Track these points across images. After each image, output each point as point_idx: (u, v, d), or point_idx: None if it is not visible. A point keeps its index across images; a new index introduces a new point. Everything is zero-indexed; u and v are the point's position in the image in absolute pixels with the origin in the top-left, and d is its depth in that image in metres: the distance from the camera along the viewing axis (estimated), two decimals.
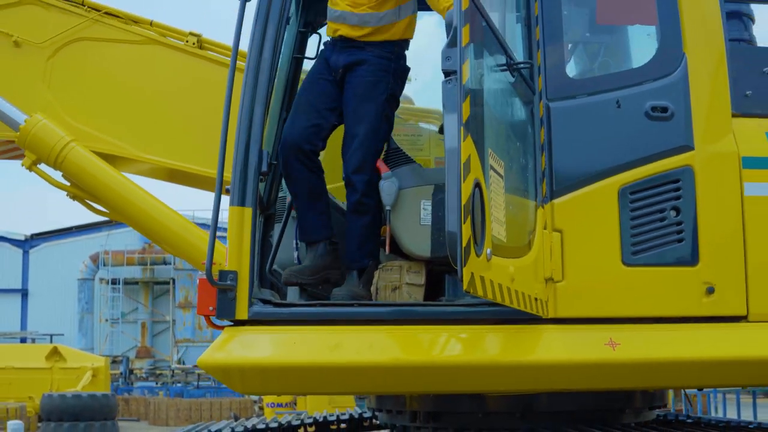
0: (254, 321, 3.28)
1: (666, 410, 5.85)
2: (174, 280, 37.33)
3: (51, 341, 28.30)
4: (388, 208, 3.55)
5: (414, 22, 3.75)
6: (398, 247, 3.64)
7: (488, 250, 2.52)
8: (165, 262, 37.70)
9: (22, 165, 4.87)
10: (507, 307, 3.00)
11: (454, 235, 2.38)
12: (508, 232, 2.92)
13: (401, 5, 3.62)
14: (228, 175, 3.38)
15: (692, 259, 3.44)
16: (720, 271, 3.45)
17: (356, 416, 5.87)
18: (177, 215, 4.89)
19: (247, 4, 3.47)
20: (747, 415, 12.77)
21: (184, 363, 34.03)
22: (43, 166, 5.01)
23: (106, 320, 37.96)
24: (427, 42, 4.43)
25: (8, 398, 19.72)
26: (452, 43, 2.46)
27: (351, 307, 3.41)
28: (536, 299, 3.16)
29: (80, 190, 5.02)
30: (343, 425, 5.80)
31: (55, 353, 21.80)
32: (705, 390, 13.09)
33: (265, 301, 3.29)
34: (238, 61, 4.94)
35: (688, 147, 3.49)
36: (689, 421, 4.77)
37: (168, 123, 5.11)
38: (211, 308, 3.24)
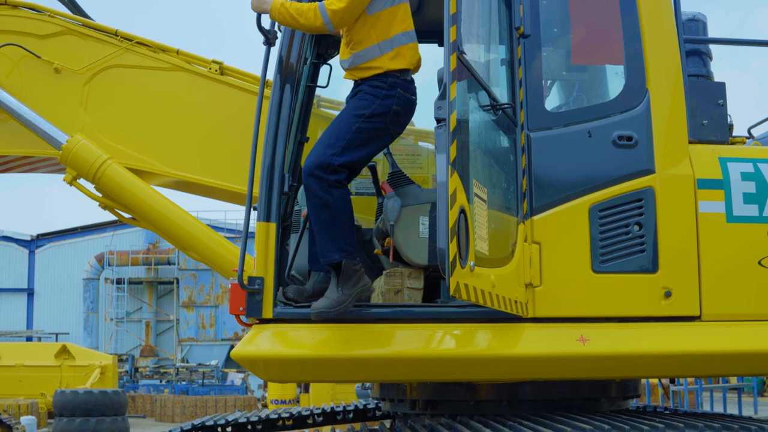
0: (277, 319, 3.83)
1: (645, 403, 6.38)
2: (178, 280, 37.67)
3: (56, 340, 28.73)
4: (391, 223, 4.08)
5: (403, 53, 3.98)
6: (400, 257, 4.19)
7: (471, 263, 3.08)
8: (169, 262, 38.06)
9: (64, 180, 5.38)
10: (489, 308, 3.56)
11: (443, 251, 2.94)
12: (491, 245, 3.47)
13: (380, 42, 3.93)
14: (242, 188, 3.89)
15: (653, 267, 3.97)
16: (676, 278, 3.98)
17: (360, 407, 6.39)
18: (202, 224, 5.40)
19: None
20: (731, 411, 13.28)
21: (187, 361, 34.49)
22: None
23: (111, 319, 38.35)
24: (425, 71, 4.97)
25: (18, 395, 20.19)
26: (442, 96, 3.01)
27: (359, 308, 3.95)
28: (517, 302, 3.71)
29: (111, 200, 5.53)
30: (349, 415, 6.33)
31: (63, 351, 22.25)
32: (692, 387, 13.59)
33: (287, 303, 3.84)
34: (252, 86, 5.51)
35: (650, 171, 4.02)
36: (659, 410, 5.31)
37: (191, 141, 5.57)
38: (241, 308, 3.80)
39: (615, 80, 4.24)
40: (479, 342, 3.85)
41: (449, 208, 2.92)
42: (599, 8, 4.20)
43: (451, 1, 3.06)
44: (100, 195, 5.55)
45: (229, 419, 5.70)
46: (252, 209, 3.92)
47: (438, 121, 3.06)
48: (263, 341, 3.79)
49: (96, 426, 16.41)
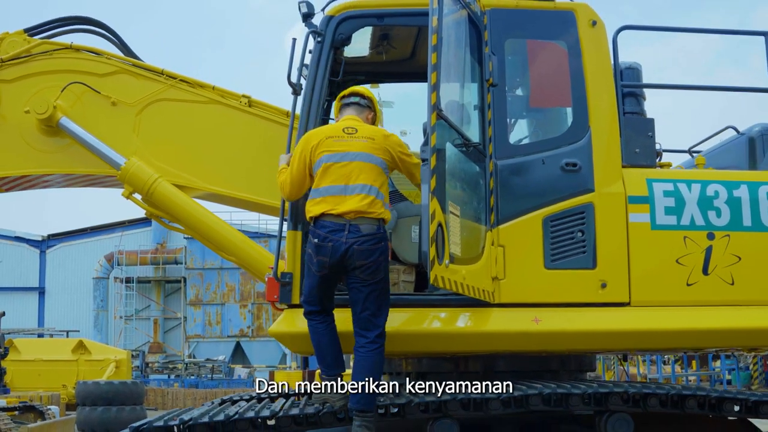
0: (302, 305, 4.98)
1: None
2: (185, 279, 38.71)
3: (67, 337, 29.81)
4: (389, 231, 5.24)
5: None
6: (397, 257, 5.34)
7: (447, 261, 4.24)
8: (176, 262, 39.11)
9: (122, 194, 6.49)
10: (466, 296, 4.71)
11: (425, 253, 4.10)
12: (465, 248, 4.64)
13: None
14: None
15: (592, 264, 5.10)
16: (611, 273, 5.11)
17: None
18: (238, 232, 6.54)
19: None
20: None
21: (194, 357, 35.58)
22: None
23: (120, 317, 39.38)
24: (418, 106, 6.11)
25: (38, 388, 21.23)
26: (426, 143, 4.17)
27: None
28: (485, 291, 4.86)
29: (158, 209, 6.64)
30: None
31: (80, 347, 23.41)
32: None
33: None
34: (274, 116, 6.58)
35: (590, 190, 5.14)
36: (605, 380, 6.44)
37: (223, 161, 6.63)
38: (275, 297, 4.95)
39: (564, 119, 5.35)
40: (458, 321, 5.01)
41: (430, 223, 4.10)
42: (552, 63, 5.34)
43: (432, 74, 4.21)
44: (148, 206, 6.68)
45: (245, 397, 6.68)
46: (283, 220, 5.07)
47: (423, 160, 4.23)
48: (291, 322, 4.94)
49: (116, 414, 17.49)
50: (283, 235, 5.07)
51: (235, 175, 6.63)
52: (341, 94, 5.15)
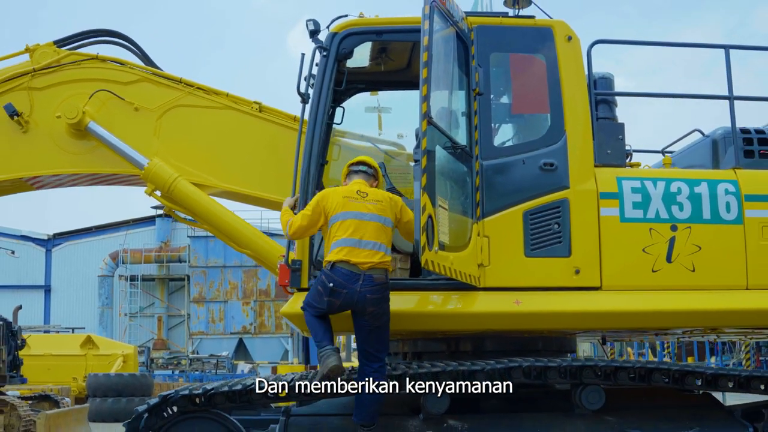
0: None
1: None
2: (189, 277, 39.24)
3: (73, 333, 30.36)
4: None
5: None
6: (394, 246, 5.98)
7: (436, 248, 4.90)
8: (180, 260, 39.65)
9: (145, 192, 7.15)
10: (456, 280, 5.35)
11: (417, 241, 4.77)
12: (453, 237, 5.29)
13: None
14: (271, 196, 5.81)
15: (567, 253, 5.73)
16: (584, 260, 5.75)
17: None
18: (250, 226, 7.20)
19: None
20: None
21: (198, 353, 36.18)
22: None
23: (125, 314, 39.86)
24: (413, 112, 6.73)
25: (48, 382, 21.80)
26: (418, 146, 4.84)
27: None
28: (472, 276, 5.50)
29: (177, 205, 7.28)
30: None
31: (88, 342, 23.96)
32: None
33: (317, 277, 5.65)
34: (282, 121, 7.21)
35: (566, 187, 5.78)
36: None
37: (237, 162, 7.28)
38: (286, 281, 5.60)
39: (542, 124, 5.98)
40: (448, 303, 5.65)
41: (421, 215, 4.76)
42: (532, 74, 5.99)
43: (423, 87, 4.87)
44: (168, 202, 7.33)
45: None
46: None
47: (415, 161, 4.89)
48: (300, 303, 5.58)
49: (126, 405, 18.14)
50: None
51: (247, 174, 7.29)
52: (350, 162, 5.75)
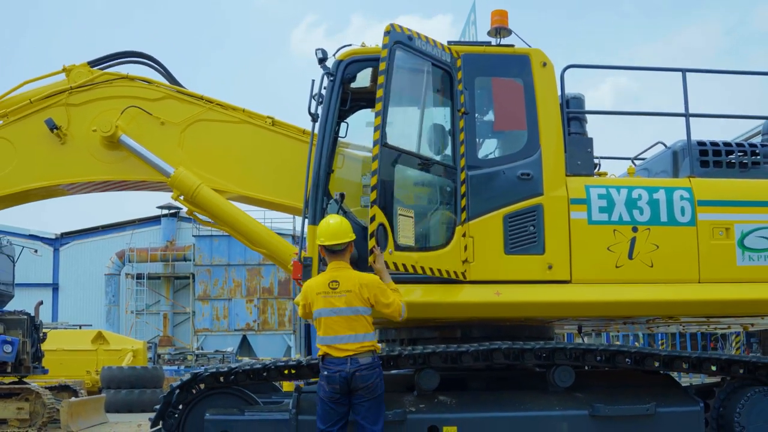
0: None
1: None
2: (193, 275, 39.83)
3: (80, 330, 31.08)
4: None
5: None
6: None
7: (390, 250, 5.90)
8: (185, 259, 40.30)
9: (171, 197, 8.03)
10: (443, 277, 6.24)
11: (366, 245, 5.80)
12: (421, 239, 6.21)
13: None
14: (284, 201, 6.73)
15: (541, 251, 6.58)
16: (556, 257, 6.61)
17: None
18: (265, 227, 8.09)
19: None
20: None
21: (203, 350, 36.93)
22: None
23: (131, 312, 40.46)
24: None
25: (60, 376, 22.63)
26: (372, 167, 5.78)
27: None
28: (456, 272, 6.37)
29: (199, 209, 8.14)
30: None
31: (99, 337, 24.78)
32: None
33: None
34: (293, 134, 8.06)
35: (540, 194, 6.64)
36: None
37: (253, 170, 8.10)
38: (299, 275, 6.49)
39: (520, 140, 6.84)
40: (439, 294, 6.48)
41: (370, 224, 5.87)
42: (511, 96, 6.86)
43: (376, 118, 5.91)
44: (191, 206, 8.19)
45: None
46: (305, 218, 6.61)
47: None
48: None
49: (138, 396, 19.02)
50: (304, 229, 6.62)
51: (262, 181, 8.14)
52: (320, 239, 5.94)
